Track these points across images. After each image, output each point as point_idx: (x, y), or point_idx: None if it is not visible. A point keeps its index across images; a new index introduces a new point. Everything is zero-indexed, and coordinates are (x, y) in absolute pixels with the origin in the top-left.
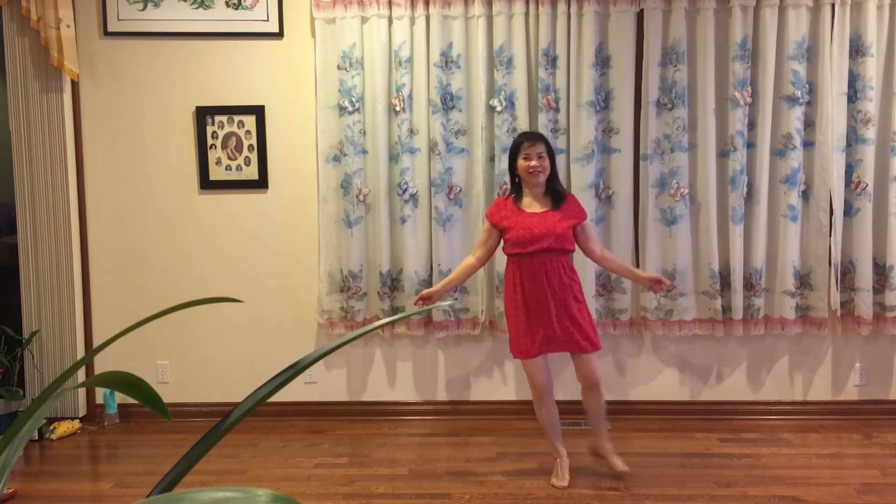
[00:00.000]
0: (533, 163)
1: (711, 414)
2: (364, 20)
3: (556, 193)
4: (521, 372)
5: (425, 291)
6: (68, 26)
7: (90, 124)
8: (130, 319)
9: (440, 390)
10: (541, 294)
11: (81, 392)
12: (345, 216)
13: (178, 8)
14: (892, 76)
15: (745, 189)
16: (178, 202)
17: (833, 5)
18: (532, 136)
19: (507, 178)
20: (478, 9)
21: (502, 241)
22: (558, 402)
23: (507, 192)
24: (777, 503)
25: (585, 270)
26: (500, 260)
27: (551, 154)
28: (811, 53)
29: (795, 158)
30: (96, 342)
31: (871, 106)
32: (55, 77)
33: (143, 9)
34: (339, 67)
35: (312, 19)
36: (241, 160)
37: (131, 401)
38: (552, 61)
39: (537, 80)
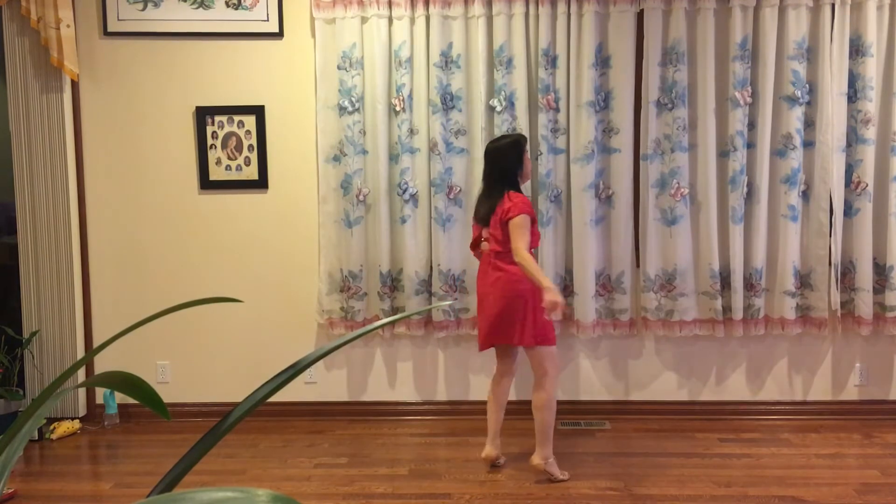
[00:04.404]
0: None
1: (711, 414)
2: (364, 20)
3: None
4: (521, 372)
5: (560, 298)
6: (68, 26)
7: (90, 124)
8: (130, 319)
9: (440, 390)
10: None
11: (81, 392)
12: (345, 216)
13: (178, 8)
14: (892, 76)
15: (745, 189)
16: (178, 202)
17: (833, 5)
18: None
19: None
20: (478, 9)
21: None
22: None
23: (517, 190)
24: (777, 503)
25: (585, 270)
26: None
27: None
28: (811, 53)
29: (795, 158)
30: (96, 342)
31: (871, 106)
32: (55, 77)
33: (143, 9)
34: (339, 67)
35: (312, 19)
36: (241, 160)
37: (131, 401)
38: (552, 61)
39: (537, 80)
